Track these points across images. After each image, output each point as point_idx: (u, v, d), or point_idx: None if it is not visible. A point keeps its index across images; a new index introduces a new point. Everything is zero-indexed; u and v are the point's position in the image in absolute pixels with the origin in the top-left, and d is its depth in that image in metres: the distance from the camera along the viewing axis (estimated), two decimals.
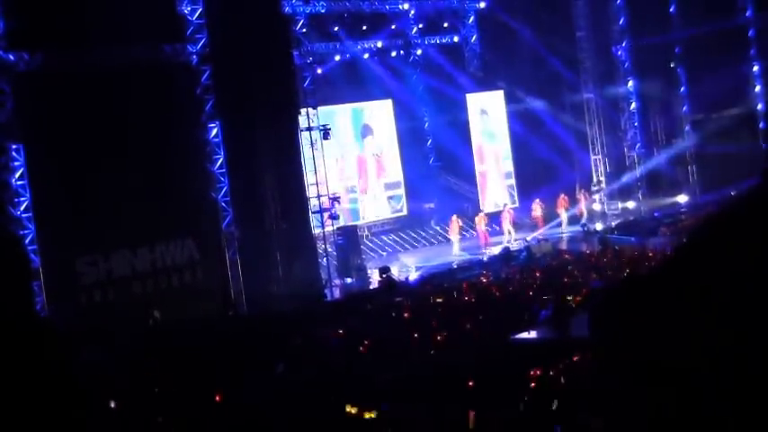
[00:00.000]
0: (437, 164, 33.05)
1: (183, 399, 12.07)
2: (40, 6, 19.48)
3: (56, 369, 3.33)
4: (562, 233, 30.01)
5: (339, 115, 29.96)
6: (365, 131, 31.46)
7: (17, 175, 19.73)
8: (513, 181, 34.09)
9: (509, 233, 29.51)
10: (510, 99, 33.85)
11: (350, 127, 30.99)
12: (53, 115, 19.80)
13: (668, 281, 1.86)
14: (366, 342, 15.12)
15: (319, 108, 25.67)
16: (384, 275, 23.69)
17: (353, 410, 9.82)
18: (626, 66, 32.61)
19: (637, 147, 32.92)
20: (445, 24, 33.18)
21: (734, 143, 31.63)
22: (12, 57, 19.86)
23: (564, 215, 30.77)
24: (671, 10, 32.67)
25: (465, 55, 33.89)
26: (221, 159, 22.79)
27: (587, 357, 10.14)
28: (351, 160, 30.95)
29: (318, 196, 24.89)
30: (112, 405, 11.62)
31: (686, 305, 1.78)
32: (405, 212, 32.05)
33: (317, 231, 25.13)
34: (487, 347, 13.74)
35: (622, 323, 1.89)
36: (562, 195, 31.13)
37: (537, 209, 30.59)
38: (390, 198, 31.87)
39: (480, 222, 29.33)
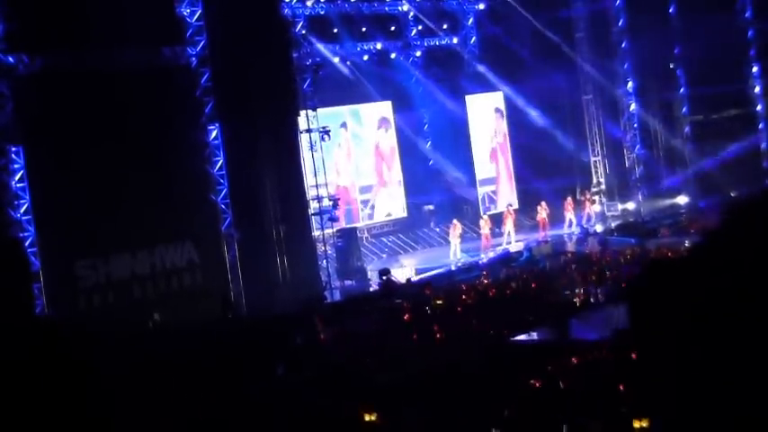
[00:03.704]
0: (436, 165, 33.03)
1: (183, 401, 12.07)
2: (40, 9, 19.49)
3: (63, 365, 3.34)
4: (563, 235, 29.99)
5: (341, 117, 30.01)
6: (381, 123, 31.55)
7: (17, 177, 19.74)
8: (513, 183, 34.09)
9: (509, 234, 29.49)
10: (509, 100, 33.84)
11: (352, 127, 31.00)
12: (53, 118, 19.82)
13: (703, 262, 1.87)
14: (366, 343, 15.14)
15: (325, 109, 25.66)
16: (384, 277, 23.68)
17: (372, 417, 9.80)
18: (625, 67, 32.59)
19: (636, 148, 32.91)
20: (444, 26, 33.17)
21: (733, 144, 31.66)
22: (11, 59, 19.87)
23: (571, 218, 30.68)
24: (670, 11, 32.68)
25: (464, 56, 33.88)
26: (221, 161, 22.79)
27: (586, 359, 10.15)
28: (358, 159, 30.99)
29: (318, 198, 24.91)
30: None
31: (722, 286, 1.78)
32: (405, 214, 32.06)
33: (316, 233, 25.14)
34: (487, 348, 13.74)
35: (659, 302, 1.90)
36: (567, 199, 31.10)
37: (542, 212, 30.52)
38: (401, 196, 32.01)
39: (485, 225, 29.25)
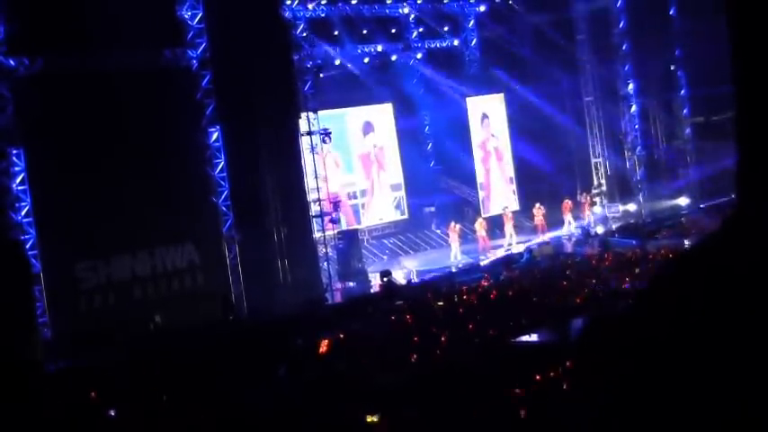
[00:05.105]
0: (437, 167, 33.05)
1: (184, 402, 12.07)
2: (41, 11, 19.52)
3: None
4: (564, 236, 30.00)
5: (340, 119, 30.02)
6: (367, 128, 31.53)
7: (18, 179, 19.75)
8: (514, 185, 34.10)
9: (510, 236, 29.52)
10: (510, 102, 33.85)
11: (351, 129, 31.01)
12: (54, 120, 19.84)
13: (641, 322, 1.90)
14: (367, 345, 15.13)
15: (320, 112, 25.70)
16: (385, 279, 23.68)
17: (374, 419, 9.79)
18: (626, 68, 32.59)
19: (637, 150, 32.91)
20: (445, 28, 33.19)
21: (734, 145, 31.59)
22: (12, 62, 19.90)
23: (569, 219, 30.73)
24: (671, 12, 32.68)
25: (465, 58, 33.91)
26: (222, 164, 22.81)
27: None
28: (354, 161, 30.97)
29: (319, 200, 24.90)
30: (112, 411, 11.64)
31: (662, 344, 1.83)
32: (405, 216, 32.06)
33: (317, 235, 25.14)
34: (488, 350, 13.74)
35: (606, 359, 1.93)
36: (566, 200, 31.12)
37: (538, 214, 30.58)
38: (393, 200, 31.94)
39: (480, 228, 29.31)
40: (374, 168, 31.48)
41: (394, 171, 31.96)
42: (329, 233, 25.71)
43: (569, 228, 30.56)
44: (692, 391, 1.74)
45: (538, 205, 30.68)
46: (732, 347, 1.71)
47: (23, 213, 19.74)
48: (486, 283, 22.82)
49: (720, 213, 26.16)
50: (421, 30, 32.46)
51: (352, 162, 30.93)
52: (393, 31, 31.55)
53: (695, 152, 33.49)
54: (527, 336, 14.68)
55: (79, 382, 13.72)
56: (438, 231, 31.59)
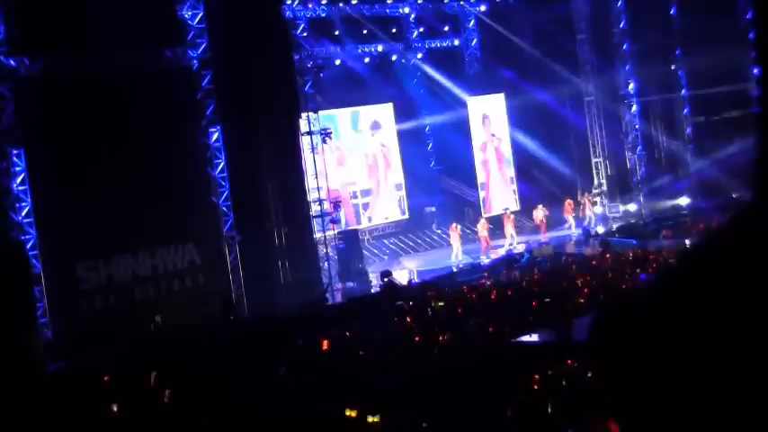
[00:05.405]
0: (438, 167, 33.06)
1: (184, 403, 12.06)
2: (41, 12, 19.51)
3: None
4: (565, 236, 29.99)
5: (341, 119, 30.04)
6: (374, 127, 31.53)
7: (18, 180, 19.74)
8: (514, 185, 34.11)
9: (511, 237, 29.50)
10: (510, 102, 33.85)
11: (352, 129, 31.00)
12: (54, 120, 19.84)
13: (659, 306, 1.89)
14: (367, 345, 15.14)
15: (320, 112, 25.68)
16: (385, 279, 23.68)
17: (375, 419, 9.80)
18: (627, 68, 32.59)
19: (638, 149, 32.90)
20: (446, 28, 33.21)
21: (735, 145, 31.62)
22: (13, 62, 19.89)
23: (571, 220, 30.72)
24: (672, 12, 32.68)
25: (466, 58, 33.91)
26: (222, 164, 22.81)
27: (586, 361, 10.12)
28: (357, 161, 30.95)
29: (320, 200, 24.92)
30: (114, 411, 11.63)
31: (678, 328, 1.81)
32: (406, 216, 32.07)
33: (318, 235, 25.14)
34: (488, 350, 13.74)
35: (618, 347, 1.91)
36: (568, 200, 31.11)
37: (539, 213, 30.57)
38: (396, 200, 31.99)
39: (482, 228, 29.31)
40: (381, 167, 31.51)
41: (394, 171, 31.97)
42: (330, 233, 25.72)
43: (570, 228, 30.56)
44: (697, 391, 1.73)
45: (540, 206, 30.63)
46: (739, 348, 1.70)
47: (24, 214, 19.74)
48: (486, 283, 22.83)
49: (721, 213, 26.21)
50: (421, 29, 32.47)
51: (355, 161, 30.91)
52: (393, 30, 31.57)
53: (696, 152, 33.47)
54: (527, 336, 14.67)
55: (79, 382, 13.72)
56: (439, 231, 31.59)
